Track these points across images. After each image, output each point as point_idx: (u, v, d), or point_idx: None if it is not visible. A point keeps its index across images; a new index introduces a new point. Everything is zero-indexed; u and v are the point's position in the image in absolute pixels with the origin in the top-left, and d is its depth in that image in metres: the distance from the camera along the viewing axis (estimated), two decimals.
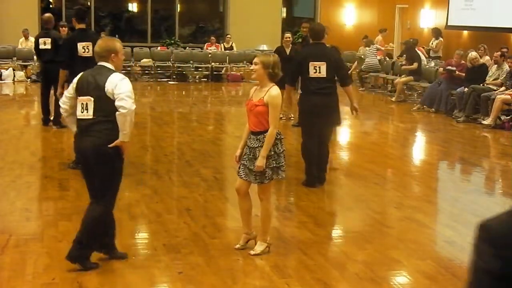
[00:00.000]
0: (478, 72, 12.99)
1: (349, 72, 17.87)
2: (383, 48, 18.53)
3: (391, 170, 8.84)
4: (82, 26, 8.35)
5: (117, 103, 4.60)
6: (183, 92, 17.05)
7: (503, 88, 12.36)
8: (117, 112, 4.60)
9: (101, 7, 21.25)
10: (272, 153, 5.11)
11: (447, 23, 17.75)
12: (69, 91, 4.92)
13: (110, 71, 4.76)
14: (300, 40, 13.28)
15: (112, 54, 4.82)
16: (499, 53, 13.06)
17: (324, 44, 7.51)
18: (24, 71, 17.38)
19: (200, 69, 18.93)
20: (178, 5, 21.33)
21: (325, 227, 6.25)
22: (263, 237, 5.32)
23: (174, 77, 18.57)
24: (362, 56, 17.58)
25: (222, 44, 19.58)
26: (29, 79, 16.99)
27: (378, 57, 17.73)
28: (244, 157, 5.21)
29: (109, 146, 4.65)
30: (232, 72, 18.94)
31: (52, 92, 10.35)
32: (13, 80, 16.92)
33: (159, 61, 18.63)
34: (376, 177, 8.11)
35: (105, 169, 4.73)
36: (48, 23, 10.88)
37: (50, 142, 9.77)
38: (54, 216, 6.20)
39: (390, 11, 20.76)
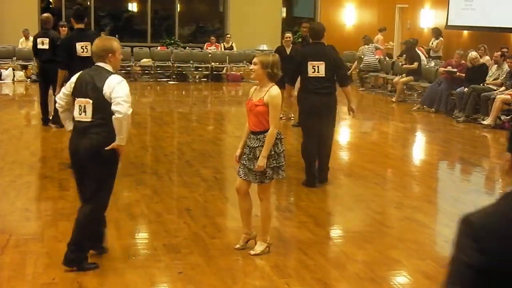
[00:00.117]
0: (478, 72, 13.00)
1: (349, 72, 17.93)
2: (382, 48, 18.52)
3: (391, 170, 8.85)
4: (81, 26, 8.35)
5: (113, 108, 4.58)
6: (183, 92, 17.05)
7: (503, 88, 12.37)
8: (113, 116, 4.59)
9: (100, 7, 21.25)
10: (273, 153, 5.12)
11: (447, 23, 17.76)
12: (67, 88, 4.91)
13: (108, 73, 4.74)
14: (300, 40, 13.28)
15: (110, 54, 4.80)
16: (499, 53, 13.06)
17: (323, 43, 7.51)
18: (24, 71, 17.38)
19: (200, 69, 18.93)
20: (178, 5, 21.33)
21: (325, 227, 6.25)
22: (263, 237, 5.32)
23: (174, 77, 18.57)
24: (362, 56, 17.57)
25: (222, 44, 19.58)
26: (29, 79, 16.99)
27: (378, 57, 17.73)
28: (244, 156, 5.21)
29: (106, 148, 4.65)
30: (232, 72, 18.94)
31: (50, 91, 10.36)
32: (13, 80, 16.92)
33: (159, 61, 18.63)
34: (376, 177, 8.11)
35: (99, 171, 4.72)
36: (47, 23, 10.88)
37: (50, 142, 9.77)
38: (54, 216, 6.19)
39: (390, 11, 20.76)
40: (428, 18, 19.15)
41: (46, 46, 10.60)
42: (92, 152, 4.68)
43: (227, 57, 18.82)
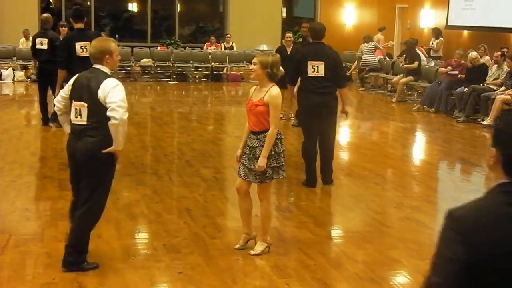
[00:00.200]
0: (478, 72, 13.00)
1: (349, 72, 17.94)
2: (382, 47, 18.52)
3: (391, 170, 8.85)
4: (81, 25, 8.35)
5: (108, 113, 4.56)
6: (183, 92, 17.05)
7: (503, 88, 12.37)
8: (109, 122, 4.57)
9: (100, 7, 21.25)
10: (273, 152, 5.12)
11: (447, 23, 17.75)
12: (65, 91, 4.90)
13: (105, 76, 4.71)
14: (300, 40, 13.29)
15: (107, 56, 4.78)
16: (499, 53, 13.07)
17: (323, 43, 7.51)
18: (24, 71, 17.37)
19: (200, 69, 18.93)
20: (178, 5, 21.32)
21: (325, 227, 6.25)
22: (263, 237, 5.32)
23: (174, 77, 18.57)
24: (361, 55, 17.56)
25: (222, 44, 19.58)
26: (28, 79, 16.98)
27: (378, 57, 17.73)
28: (244, 156, 5.21)
29: (102, 151, 4.64)
30: (232, 72, 18.94)
31: (50, 92, 10.37)
32: (13, 80, 16.92)
33: (159, 61, 18.63)
34: (376, 177, 8.11)
35: (96, 173, 4.71)
36: (47, 23, 10.88)
37: (49, 142, 9.77)
38: (54, 216, 6.19)
39: (390, 11, 20.76)
40: (428, 18, 19.15)
41: (45, 47, 10.60)
42: (88, 155, 4.67)
43: (227, 57, 18.82)
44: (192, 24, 22.63)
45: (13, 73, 17.02)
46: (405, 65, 15.39)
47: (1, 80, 16.76)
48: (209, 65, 18.63)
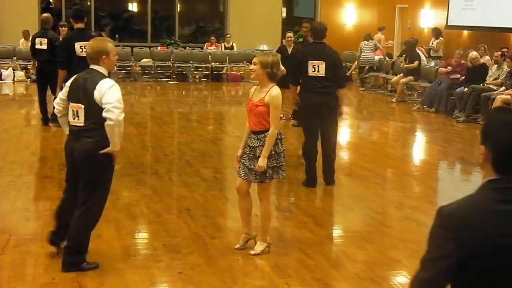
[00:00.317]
0: (478, 72, 13.00)
1: (349, 72, 17.94)
2: (382, 47, 18.52)
3: (391, 170, 8.85)
4: (81, 25, 8.35)
5: (104, 114, 4.55)
6: (183, 92, 17.05)
7: (503, 88, 12.37)
8: (105, 123, 4.57)
9: (100, 7, 21.25)
10: (273, 152, 5.12)
11: (447, 23, 17.75)
12: (63, 93, 4.90)
13: (101, 77, 4.70)
14: (300, 40, 13.29)
15: (103, 56, 4.76)
16: (499, 53, 13.07)
17: (324, 43, 7.49)
18: (24, 71, 17.37)
19: (200, 69, 18.93)
20: (178, 5, 21.32)
21: (325, 227, 6.25)
22: (263, 237, 5.32)
23: (174, 77, 18.57)
24: (361, 54, 17.55)
25: (222, 44, 19.58)
26: (28, 79, 16.99)
27: (378, 57, 17.73)
28: (244, 156, 5.21)
29: (100, 152, 4.64)
30: (232, 72, 18.94)
31: (49, 91, 10.37)
32: (13, 80, 16.92)
33: (159, 61, 18.62)
34: (376, 177, 8.11)
35: (94, 174, 4.71)
36: (47, 23, 10.88)
37: (49, 142, 9.77)
38: (53, 216, 6.18)
39: (390, 11, 20.76)
40: (428, 18, 19.14)
41: (44, 46, 10.60)
42: (85, 156, 4.67)
43: (227, 57, 18.82)
44: (192, 24, 22.62)
45: (13, 73, 17.02)
46: (405, 65, 15.39)
47: (1, 80, 16.76)
48: (209, 65, 18.63)
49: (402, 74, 15.42)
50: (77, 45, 8.04)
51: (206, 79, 18.73)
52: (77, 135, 4.73)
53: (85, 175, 4.72)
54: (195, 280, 4.78)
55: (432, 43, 17.08)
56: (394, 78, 15.81)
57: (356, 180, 8.02)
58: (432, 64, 15.83)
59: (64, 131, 5.07)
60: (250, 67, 5.29)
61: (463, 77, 13.23)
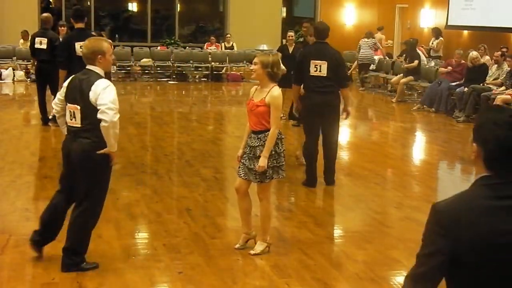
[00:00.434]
0: (478, 72, 12.99)
1: (349, 71, 17.93)
2: (381, 47, 18.51)
3: (391, 170, 8.85)
4: (81, 25, 8.35)
5: (98, 116, 4.54)
6: (183, 92, 17.05)
7: (502, 87, 12.36)
8: (100, 124, 4.56)
9: (100, 7, 21.25)
10: (273, 152, 5.12)
11: (447, 22, 17.75)
12: (61, 93, 4.89)
13: (97, 77, 4.68)
14: (300, 40, 13.29)
15: (99, 56, 4.73)
16: (499, 53, 13.06)
17: (327, 43, 7.47)
18: (24, 71, 17.37)
19: (200, 69, 18.92)
20: (178, 5, 21.33)
21: (325, 227, 6.25)
22: (263, 237, 5.32)
23: (174, 77, 18.57)
24: (359, 51, 17.54)
25: (223, 44, 19.58)
26: (28, 79, 16.98)
27: (378, 57, 17.72)
28: (244, 156, 5.21)
29: (97, 152, 4.63)
30: (232, 72, 18.93)
31: (49, 91, 10.37)
32: (13, 80, 16.92)
33: (159, 61, 18.62)
34: (376, 177, 8.11)
35: (90, 175, 4.70)
36: (47, 23, 10.87)
37: (49, 142, 9.78)
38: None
39: (390, 11, 20.77)
40: (428, 18, 19.15)
41: (44, 46, 10.59)
42: (82, 156, 4.67)
43: (227, 57, 18.82)
44: (192, 24, 22.63)
45: (13, 73, 17.02)
46: (405, 65, 15.38)
47: (1, 80, 16.76)
48: (209, 65, 18.63)
49: (402, 75, 15.41)
50: (78, 45, 8.04)
51: (206, 79, 18.73)
52: (74, 135, 4.73)
53: (82, 176, 4.71)
54: (195, 280, 4.78)
55: (432, 43, 17.09)
56: (394, 78, 15.80)
57: (356, 180, 8.02)
58: (432, 64, 15.83)
59: (63, 132, 5.06)
60: (251, 67, 5.29)
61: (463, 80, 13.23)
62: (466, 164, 9.38)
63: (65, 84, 4.87)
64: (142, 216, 6.32)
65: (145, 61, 18.51)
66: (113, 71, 16.08)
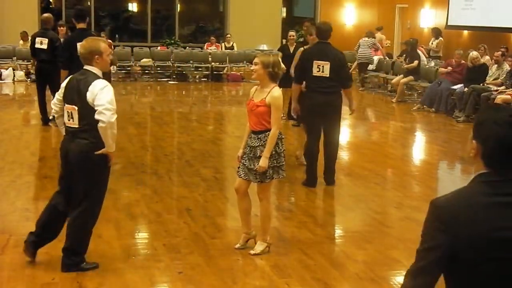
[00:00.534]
0: (479, 72, 12.99)
1: (349, 72, 17.91)
2: (381, 48, 18.51)
3: (391, 170, 8.85)
4: (83, 26, 8.35)
5: (96, 116, 4.54)
6: (183, 92, 17.05)
7: (502, 87, 12.36)
8: (98, 125, 4.56)
9: (100, 7, 21.25)
10: (273, 152, 5.12)
11: (447, 23, 17.75)
12: (59, 93, 4.89)
13: (94, 77, 4.67)
14: (300, 39, 13.30)
15: (96, 56, 4.72)
16: (499, 52, 13.06)
17: (330, 44, 7.46)
18: (24, 71, 17.37)
19: (200, 69, 18.93)
20: (178, 5, 21.33)
21: (325, 227, 6.25)
22: (263, 237, 5.33)
23: (174, 77, 18.57)
24: (358, 50, 17.55)
25: (223, 44, 19.58)
26: (28, 79, 16.99)
27: (378, 57, 17.72)
28: (244, 156, 5.21)
29: (95, 153, 4.63)
30: (232, 72, 18.94)
31: (49, 91, 10.37)
32: (13, 80, 16.92)
33: (159, 61, 18.63)
34: (376, 177, 8.12)
35: (88, 175, 4.69)
36: (47, 23, 10.86)
37: (49, 142, 9.78)
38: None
39: (390, 11, 20.77)
40: (428, 18, 19.15)
41: (44, 46, 10.59)
42: (80, 157, 4.66)
43: (227, 57, 18.83)
44: (192, 24, 22.63)
45: (13, 73, 17.02)
46: (406, 65, 15.38)
47: (1, 80, 16.76)
48: (209, 65, 18.63)
49: (402, 75, 15.41)
50: (79, 45, 8.03)
51: (206, 79, 18.73)
52: (72, 136, 4.72)
53: (80, 176, 4.71)
54: (195, 280, 4.78)
55: (432, 43, 17.09)
56: (395, 79, 15.80)
57: (356, 180, 8.02)
58: (432, 64, 15.83)
59: (62, 132, 5.06)
60: (251, 67, 5.30)
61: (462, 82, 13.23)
62: (466, 164, 9.38)
63: (63, 84, 4.87)
64: (142, 216, 6.32)
65: (145, 61, 18.51)
66: (113, 71, 16.08)
